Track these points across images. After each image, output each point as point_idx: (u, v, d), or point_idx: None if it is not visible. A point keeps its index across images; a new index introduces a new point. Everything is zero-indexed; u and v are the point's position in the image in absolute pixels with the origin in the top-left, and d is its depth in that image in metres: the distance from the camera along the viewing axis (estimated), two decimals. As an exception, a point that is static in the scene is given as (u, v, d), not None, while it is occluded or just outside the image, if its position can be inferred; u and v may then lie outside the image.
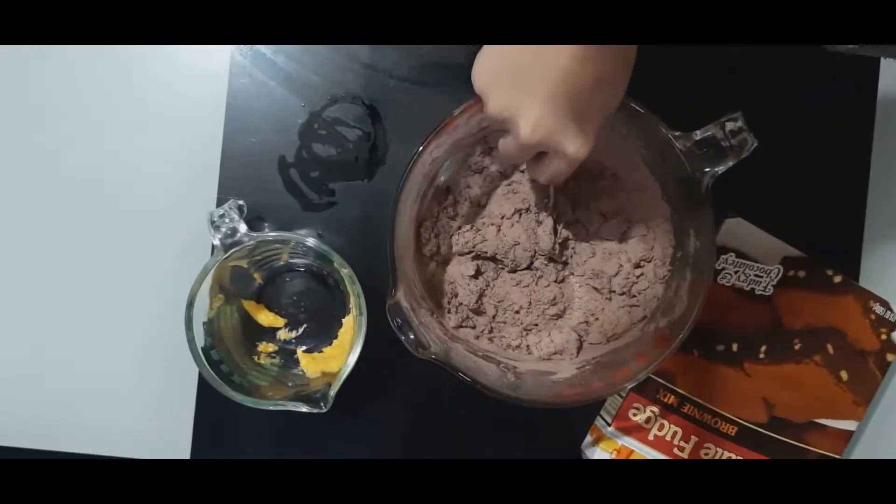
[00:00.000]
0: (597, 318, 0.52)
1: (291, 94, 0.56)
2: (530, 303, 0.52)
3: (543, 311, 0.52)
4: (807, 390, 0.55)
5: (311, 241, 0.50)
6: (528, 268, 0.52)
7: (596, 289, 0.52)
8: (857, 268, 0.58)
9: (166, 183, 0.56)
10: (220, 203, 0.56)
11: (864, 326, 0.55)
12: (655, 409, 0.55)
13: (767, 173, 0.56)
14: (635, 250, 0.51)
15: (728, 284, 0.55)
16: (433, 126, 0.44)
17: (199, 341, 0.50)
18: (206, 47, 0.56)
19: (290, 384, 0.54)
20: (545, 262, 0.52)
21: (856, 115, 0.58)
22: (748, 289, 0.55)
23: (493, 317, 0.52)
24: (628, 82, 0.40)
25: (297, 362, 0.56)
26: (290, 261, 0.56)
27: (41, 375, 0.57)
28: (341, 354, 0.52)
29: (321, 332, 0.57)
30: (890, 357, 0.56)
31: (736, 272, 0.55)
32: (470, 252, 0.52)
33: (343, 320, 0.56)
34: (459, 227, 0.52)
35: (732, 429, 0.55)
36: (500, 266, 0.53)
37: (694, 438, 0.55)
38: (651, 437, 0.55)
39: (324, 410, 0.48)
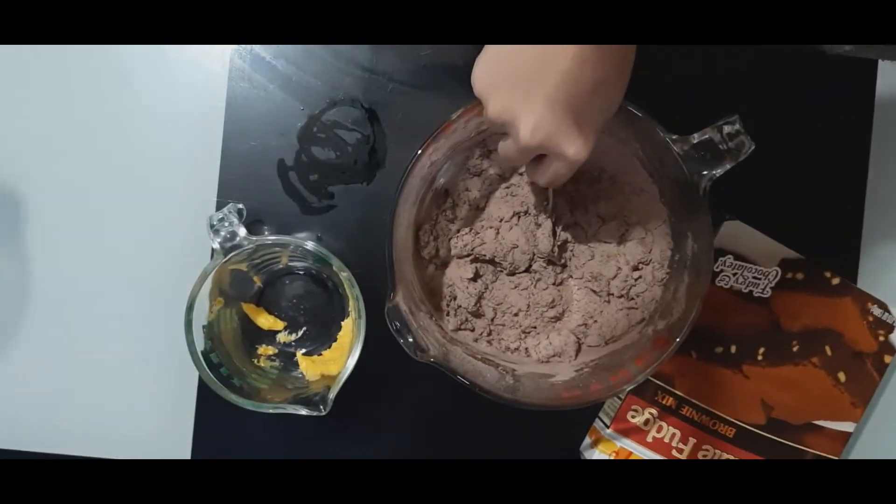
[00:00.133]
0: (595, 321, 0.52)
1: (290, 98, 0.56)
2: (529, 305, 0.52)
3: (542, 314, 0.52)
4: (805, 392, 0.56)
5: (310, 245, 0.50)
6: (527, 270, 0.53)
7: (594, 291, 0.52)
8: (856, 270, 0.58)
9: (166, 186, 0.56)
10: (219, 207, 0.56)
11: (861, 328, 0.56)
12: (654, 411, 0.55)
13: (765, 175, 0.57)
14: (633, 253, 0.51)
15: (726, 287, 0.55)
16: (432, 129, 0.44)
17: (199, 344, 0.50)
18: (206, 51, 0.56)
19: (289, 387, 0.54)
20: (544, 264, 0.52)
21: (854, 117, 0.58)
22: (746, 291, 0.55)
23: (492, 319, 0.52)
24: (627, 84, 0.40)
25: (296, 365, 0.56)
26: (290, 264, 0.56)
27: (43, 377, 0.57)
28: (341, 357, 0.52)
29: (320, 335, 0.57)
30: (887, 358, 0.56)
31: (734, 274, 0.55)
32: (469, 255, 0.52)
33: (342, 323, 0.56)
34: (458, 230, 0.52)
35: (731, 430, 0.55)
36: (498, 269, 0.53)
37: (692, 440, 0.55)
38: (650, 439, 0.55)
39: (323, 413, 0.48)
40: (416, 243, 0.52)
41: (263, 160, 0.56)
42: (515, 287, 0.52)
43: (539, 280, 0.52)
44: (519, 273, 0.52)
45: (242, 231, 0.50)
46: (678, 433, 0.55)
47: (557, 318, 0.53)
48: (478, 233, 0.52)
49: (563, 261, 0.53)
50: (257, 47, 0.56)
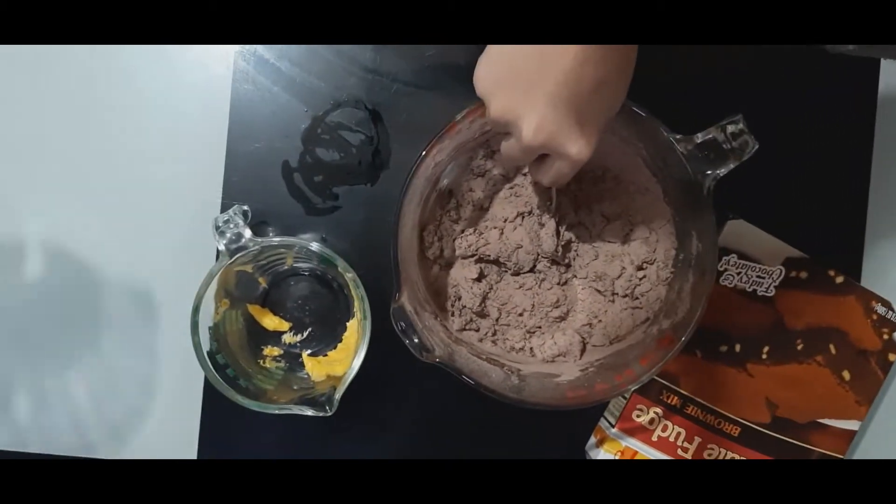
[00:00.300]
0: (600, 321, 0.52)
1: (294, 99, 0.56)
2: (533, 305, 0.52)
3: (547, 314, 0.52)
4: (809, 390, 0.56)
5: (315, 246, 0.50)
6: (532, 270, 0.53)
7: (599, 291, 0.52)
8: (859, 268, 0.58)
9: (171, 189, 0.57)
10: (224, 208, 0.56)
11: (865, 326, 0.56)
12: (659, 410, 0.55)
13: (769, 174, 0.57)
14: (638, 252, 0.51)
15: (730, 286, 0.55)
16: (436, 130, 0.45)
17: (205, 346, 0.50)
18: (210, 53, 0.56)
19: (295, 387, 0.54)
20: (548, 264, 0.52)
21: (856, 116, 0.58)
22: (750, 290, 0.55)
23: (497, 319, 0.52)
24: (629, 84, 0.40)
25: (302, 366, 0.56)
26: (295, 265, 0.56)
27: (49, 379, 0.57)
28: (346, 358, 0.52)
29: (326, 336, 0.57)
30: (892, 357, 0.56)
31: (738, 273, 0.55)
32: (473, 255, 0.52)
33: (347, 324, 0.56)
34: (462, 231, 0.52)
35: (736, 429, 0.56)
36: (503, 269, 0.53)
37: (697, 439, 0.56)
38: (655, 438, 0.55)
39: (329, 414, 0.48)
40: (420, 244, 0.52)
41: (268, 162, 0.56)
42: (520, 287, 0.53)
43: (543, 280, 0.53)
44: (523, 273, 0.53)
45: (248, 232, 0.50)
46: (683, 432, 0.55)
47: (562, 318, 0.53)
48: (482, 233, 0.52)
49: (567, 260, 0.53)
50: (261, 49, 0.56)
